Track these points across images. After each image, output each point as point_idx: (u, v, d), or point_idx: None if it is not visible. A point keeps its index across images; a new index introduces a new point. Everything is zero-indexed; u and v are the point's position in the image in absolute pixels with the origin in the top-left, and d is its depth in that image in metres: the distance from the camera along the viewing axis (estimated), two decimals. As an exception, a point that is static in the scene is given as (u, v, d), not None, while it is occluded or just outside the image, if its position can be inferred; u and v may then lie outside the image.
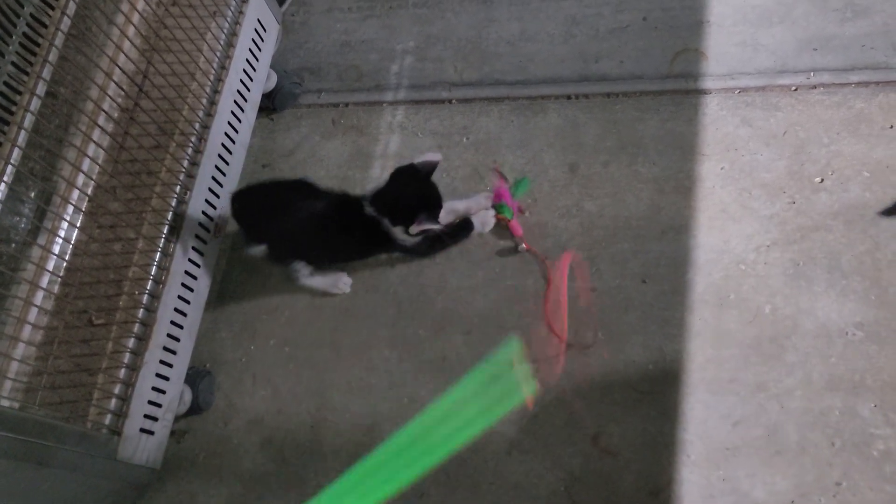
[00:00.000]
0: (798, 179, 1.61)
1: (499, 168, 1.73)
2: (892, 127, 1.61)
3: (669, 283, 1.57)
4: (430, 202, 1.53)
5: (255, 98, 1.85)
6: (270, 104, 1.96)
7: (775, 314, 1.50)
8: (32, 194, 1.53)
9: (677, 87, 1.76)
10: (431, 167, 1.52)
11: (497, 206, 1.66)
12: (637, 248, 1.62)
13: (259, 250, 1.63)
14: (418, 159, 1.51)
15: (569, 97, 1.82)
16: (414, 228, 1.50)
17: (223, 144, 1.72)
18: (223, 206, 1.72)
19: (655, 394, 1.50)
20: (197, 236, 1.64)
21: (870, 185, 1.57)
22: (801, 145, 1.63)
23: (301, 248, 1.66)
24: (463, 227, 1.66)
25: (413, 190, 1.52)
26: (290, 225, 1.59)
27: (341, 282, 1.72)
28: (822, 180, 1.60)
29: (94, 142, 1.52)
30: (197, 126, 1.66)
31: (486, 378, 1.53)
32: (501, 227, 1.69)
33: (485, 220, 1.67)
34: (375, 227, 1.55)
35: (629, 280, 1.60)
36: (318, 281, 1.72)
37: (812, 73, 1.69)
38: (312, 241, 1.62)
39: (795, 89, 1.69)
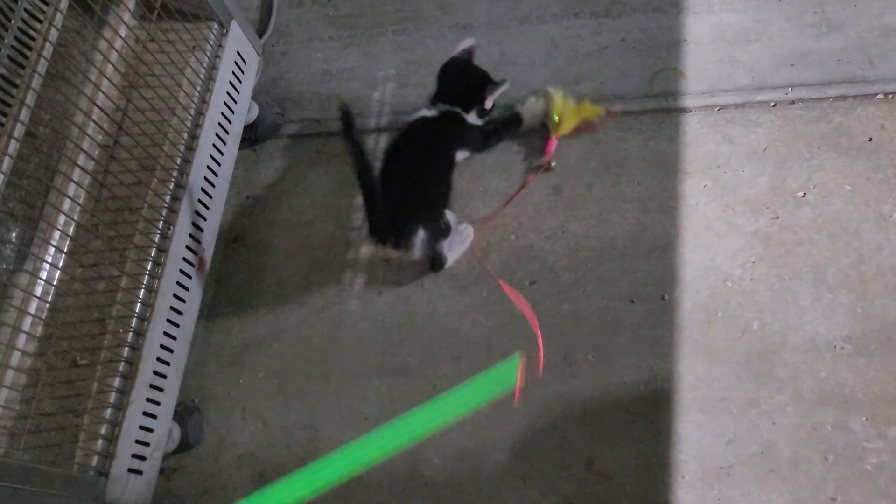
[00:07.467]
0: (781, 195, 1.61)
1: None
2: (870, 140, 1.62)
3: (657, 302, 1.57)
4: (485, 78, 1.69)
5: (236, 130, 1.84)
6: (253, 135, 1.95)
7: (763, 330, 1.50)
8: (13, 236, 1.52)
9: (658, 106, 1.77)
10: (470, 52, 1.70)
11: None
12: (624, 267, 1.62)
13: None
14: (454, 52, 1.71)
15: (550, 119, 1.82)
16: (488, 102, 1.66)
17: (206, 178, 1.71)
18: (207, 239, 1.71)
19: (648, 415, 1.49)
20: (181, 271, 1.62)
21: (852, 197, 1.58)
22: (783, 160, 1.64)
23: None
24: (512, 119, 1.76)
25: (466, 74, 1.69)
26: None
27: (465, 232, 1.72)
28: (805, 195, 1.60)
29: (75, 181, 1.51)
30: (178, 161, 1.65)
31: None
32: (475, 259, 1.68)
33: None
34: (455, 121, 1.66)
35: (617, 301, 1.60)
36: (454, 246, 1.69)
37: (790, 89, 1.71)
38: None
39: (774, 105, 1.71)
